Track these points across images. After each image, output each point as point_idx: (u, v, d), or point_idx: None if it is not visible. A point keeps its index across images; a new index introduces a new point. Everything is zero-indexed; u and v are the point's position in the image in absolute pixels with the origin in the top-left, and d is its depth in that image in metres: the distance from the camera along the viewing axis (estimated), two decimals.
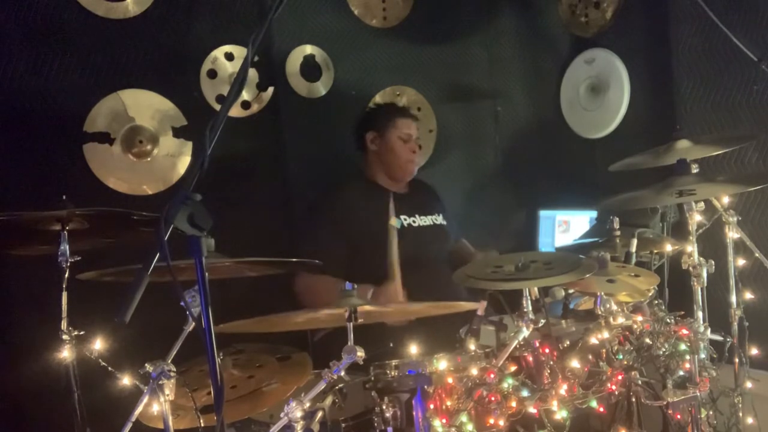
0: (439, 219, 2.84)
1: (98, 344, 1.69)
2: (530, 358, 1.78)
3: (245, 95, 2.93)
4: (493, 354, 1.79)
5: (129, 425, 1.64)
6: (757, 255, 2.24)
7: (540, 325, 1.77)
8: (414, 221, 2.73)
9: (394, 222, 2.64)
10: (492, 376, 1.65)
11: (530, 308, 1.76)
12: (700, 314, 2.03)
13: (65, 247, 1.76)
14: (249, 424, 1.88)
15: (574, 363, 1.76)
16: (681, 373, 1.86)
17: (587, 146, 3.42)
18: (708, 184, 2.03)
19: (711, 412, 2.03)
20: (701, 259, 2.06)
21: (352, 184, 2.78)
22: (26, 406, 2.48)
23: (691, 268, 2.05)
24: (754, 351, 2.29)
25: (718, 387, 2.13)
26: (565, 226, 3.40)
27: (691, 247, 2.06)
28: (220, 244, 1.64)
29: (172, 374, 1.55)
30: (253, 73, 2.94)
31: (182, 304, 1.37)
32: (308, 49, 3.07)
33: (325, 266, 2.12)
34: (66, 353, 1.72)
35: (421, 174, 2.92)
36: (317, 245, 2.53)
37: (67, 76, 2.59)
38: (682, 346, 1.85)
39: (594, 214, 3.19)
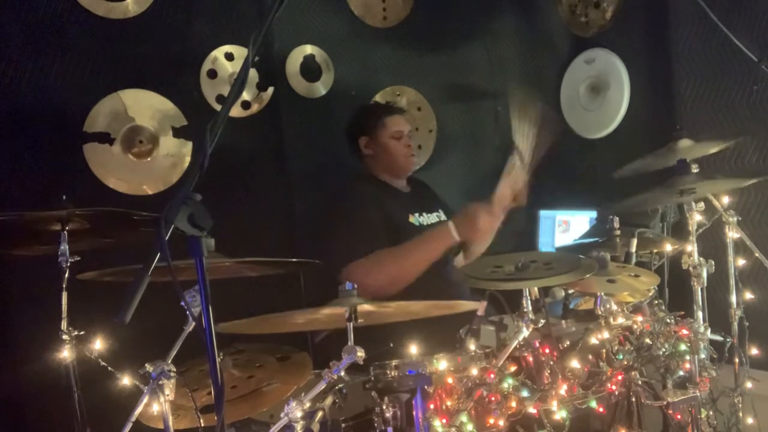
0: (442, 216, 2.84)
1: (98, 344, 1.69)
2: (530, 358, 1.78)
3: (245, 95, 2.92)
4: (493, 354, 1.78)
5: (129, 425, 1.64)
6: (757, 255, 2.25)
7: (540, 325, 1.77)
8: (423, 220, 2.73)
9: (412, 219, 2.64)
10: (492, 376, 1.65)
11: (530, 308, 1.76)
12: (700, 314, 2.03)
13: (65, 247, 1.76)
14: (249, 424, 1.88)
15: (574, 363, 1.76)
16: (681, 373, 1.86)
17: (587, 146, 3.42)
18: (708, 182, 2.04)
19: (711, 412, 2.03)
20: (701, 259, 2.06)
21: (364, 183, 2.73)
22: (26, 406, 2.48)
23: (691, 268, 2.06)
24: (754, 351, 2.30)
25: (718, 387, 2.13)
26: (565, 226, 3.40)
27: (691, 247, 2.06)
28: (221, 244, 1.64)
29: (172, 374, 1.54)
30: (253, 73, 2.93)
31: (182, 304, 1.37)
32: (308, 49, 3.07)
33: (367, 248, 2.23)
34: (66, 353, 1.72)
35: (421, 174, 2.92)
36: (350, 239, 2.45)
37: (67, 76, 2.58)
38: (682, 346, 1.85)
39: (594, 214, 3.19)
